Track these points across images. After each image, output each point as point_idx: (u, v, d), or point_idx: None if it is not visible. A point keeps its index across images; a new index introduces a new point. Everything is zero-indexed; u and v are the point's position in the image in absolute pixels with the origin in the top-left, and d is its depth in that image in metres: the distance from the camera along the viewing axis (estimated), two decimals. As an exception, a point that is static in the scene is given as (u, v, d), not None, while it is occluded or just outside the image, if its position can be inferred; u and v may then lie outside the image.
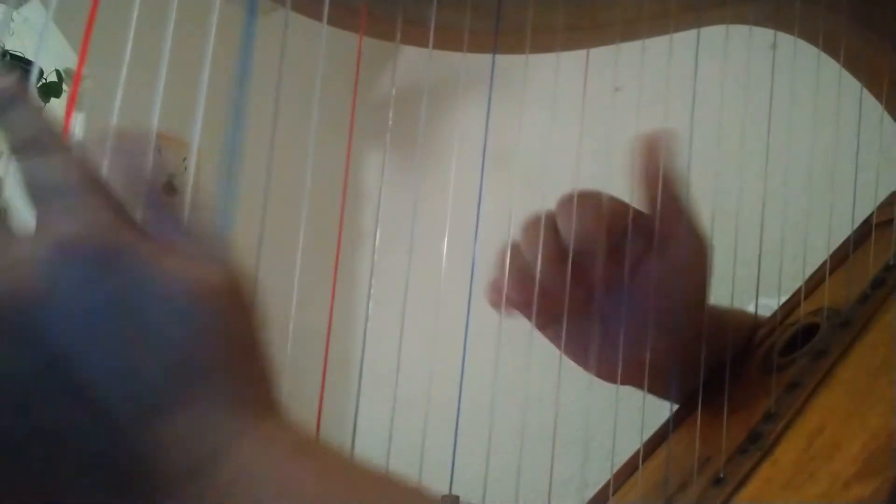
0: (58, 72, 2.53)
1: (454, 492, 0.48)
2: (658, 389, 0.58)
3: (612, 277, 0.54)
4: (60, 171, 0.29)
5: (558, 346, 0.56)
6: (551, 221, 0.53)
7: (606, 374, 0.56)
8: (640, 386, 0.57)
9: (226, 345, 0.29)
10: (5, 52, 2.41)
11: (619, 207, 0.54)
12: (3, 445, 0.26)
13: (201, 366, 0.28)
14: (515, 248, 0.54)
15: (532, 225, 0.54)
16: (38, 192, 0.28)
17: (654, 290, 0.53)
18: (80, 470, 0.27)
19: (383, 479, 0.30)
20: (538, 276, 0.52)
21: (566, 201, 0.53)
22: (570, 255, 0.52)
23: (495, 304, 0.54)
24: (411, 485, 0.30)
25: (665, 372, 0.54)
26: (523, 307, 0.54)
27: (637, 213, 0.54)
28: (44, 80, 2.47)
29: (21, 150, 0.29)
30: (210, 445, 0.27)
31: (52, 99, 2.50)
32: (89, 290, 0.27)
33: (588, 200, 0.52)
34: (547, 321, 0.55)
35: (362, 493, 0.29)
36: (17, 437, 0.26)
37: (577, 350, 0.56)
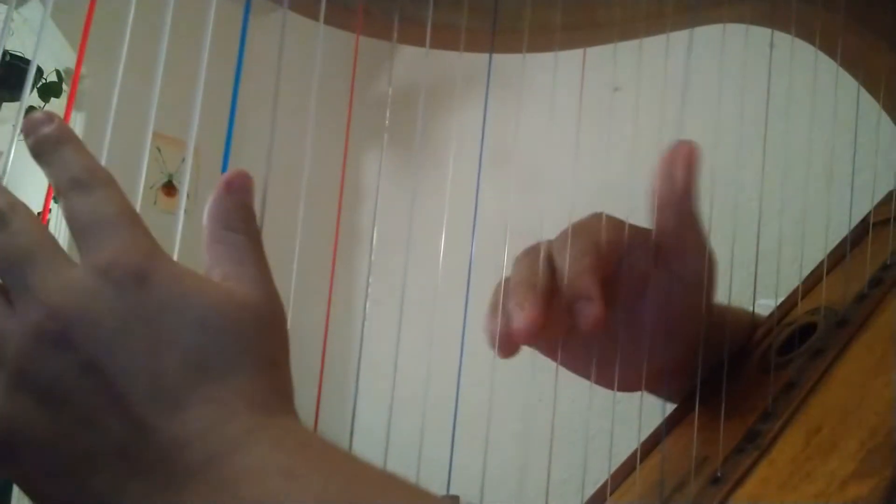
0: (58, 72, 2.53)
1: (452, 492, 0.48)
2: (657, 391, 0.58)
3: (613, 298, 0.53)
4: (99, 207, 0.33)
5: (555, 360, 0.55)
6: (548, 256, 0.51)
7: (606, 383, 0.56)
8: (638, 390, 0.57)
9: (244, 352, 0.32)
10: (5, 52, 2.41)
11: (615, 237, 0.52)
12: (41, 439, 0.30)
13: (220, 369, 0.31)
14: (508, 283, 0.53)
15: (525, 258, 0.52)
16: (80, 226, 0.33)
17: (659, 305, 0.53)
18: (105, 460, 0.30)
19: (386, 476, 0.31)
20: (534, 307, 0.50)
21: (562, 239, 0.51)
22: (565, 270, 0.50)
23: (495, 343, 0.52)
24: (413, 484, 0.31)
25: (665, 377, 0.54)
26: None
27: (638, 231, 0.53)
28: (44, 81, 2.48)
29: (64, 189, 0.33)
30: (224, 439, 0.30)
31: (52, 99, 2.50)
32: (121, 304, 0.31)
33: (582, 238, 0.51)
34: (550, 348, 0.55)
35: (366, 488, 0.30)
36: (53, 431, 0.30)
37: (577, 365, 0.56)
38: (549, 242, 0.52)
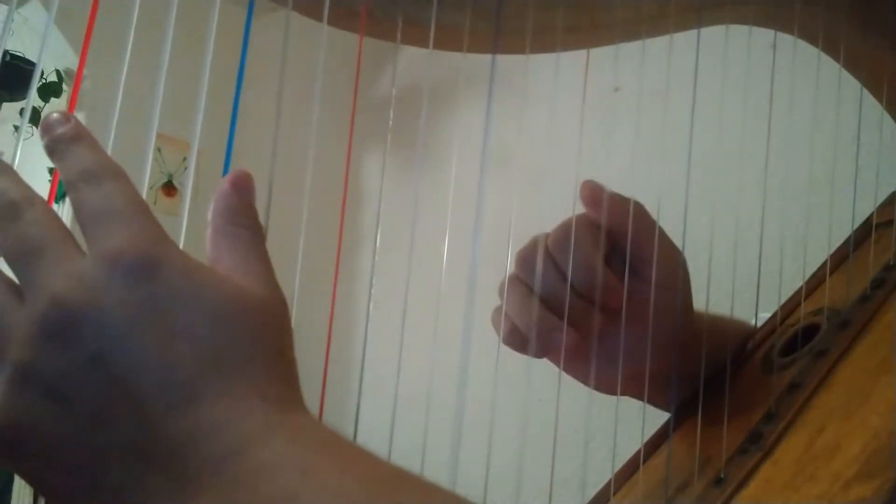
0: (58, 72, 2.53)
1: (455, 492, 0.48)
2: (657, 399, 0.58)
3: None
4: (109, 198, 0.32)
5: (557, 365, 0.56)
6: (547, 251, 0.54)
7: (605, 388, 0.57)
8: (639, 397, 0.57)
9: (257, 345, 0.32)
10: (5, 52, 2.41)
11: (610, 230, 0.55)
12: (47, 434, 0.30)
13: (233, 362, 0.31)
14: (515, 280, 0.55)
15: (527, 257, 0.54)
16: (88, 217, 0.32)
17: (640, 308, 0.54)
18: (117, 456, 0.29)
19: (401, 472, 0.31)
20: (538, 306, 0.53)
21: (562, 232, 0.54)
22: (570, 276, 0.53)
23: (514, 345, 0.55)
24: (429, 481, 0.31)
25: (662, 381, 0.55)
26: (523, 340, 0.54)
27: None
28: (44, 80, 2.48)
29: (74, 182, 0.33)
30: (240, 435, 0.29)
31: (52, 98, 2.50)
32: (130, 295, 0.30)
33: (583, 228, 0.54)
34: (554, 348, 0.56)
35: (381, 485, 0.30)
36: (60, 426, 0.29)
37: (576, 366, 0.56)
38: (548, 240, 0.54)
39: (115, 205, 0.32)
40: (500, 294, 0.55)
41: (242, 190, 0.36)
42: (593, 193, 0.55)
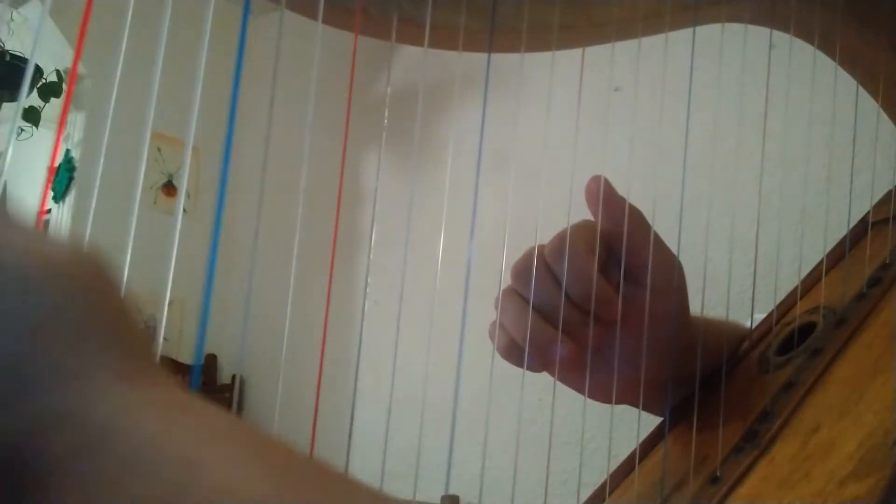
0: (58, 72, 2.53)
1: (450, 492, 0.48)
2: (653, 407, 0.58)
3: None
4: None
5: (552, 375, 0.56)
6: (543, 263, 0.53)
7: (601, 397, 0.57)
8: (635, 404, 0.57)
9: (92, 312, 0.26)
10: (4, 52, 2.42)
11: (607, 238, 0.55)
12: None
13: (70, 335, 0.25)
14: (511, 292, 0.54)
15: (524, 269, 0.54)
16: None
17: (637, 316, 0.54)
18: None
19: (309, 463, 0.26)
20: (534, 320, 0.53)
21: (558, 243, 0.53)
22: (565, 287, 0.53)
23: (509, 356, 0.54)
24: (303, 454, 0.26)
25: (658, 388, 0.55)
26: (522, 353, 0.54)
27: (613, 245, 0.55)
28: (44, 80, 2.48)
29: None
30: (100, 421, 0.24)
31: (52, 98, 2.51)
32: None
33: (579, 239, 0.53)
34: (551, 361, 0.55)
35: (282, 478, 0.24)
36: None
37: (572, 376, 0.56)
38: (544, 250, 0.54)
39: None
40: (496, 307, 0.55)
41: None
42: (593, 194, 0.54)
